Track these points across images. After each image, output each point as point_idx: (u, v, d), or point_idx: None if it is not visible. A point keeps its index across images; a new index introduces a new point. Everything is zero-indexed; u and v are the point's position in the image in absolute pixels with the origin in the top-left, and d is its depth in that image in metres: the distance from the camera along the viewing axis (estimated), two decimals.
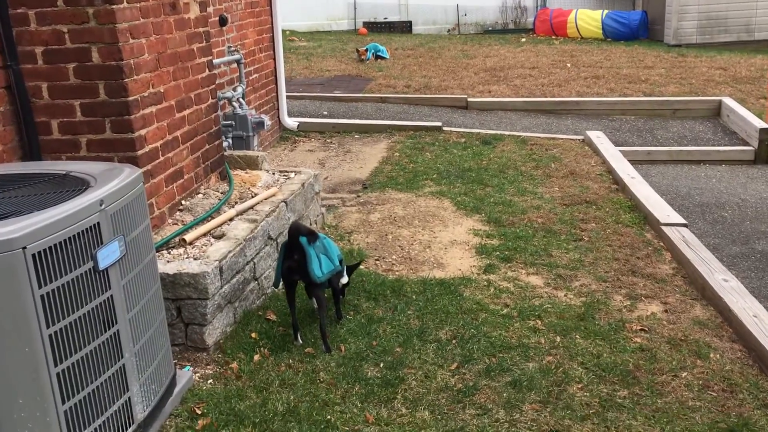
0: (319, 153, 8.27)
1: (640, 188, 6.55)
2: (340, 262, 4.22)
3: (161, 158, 4.25)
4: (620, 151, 8.07)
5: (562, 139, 8.76)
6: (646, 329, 4.15)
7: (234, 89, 6.79)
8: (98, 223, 2.64)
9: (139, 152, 3.99)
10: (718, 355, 3.90)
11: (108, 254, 2.69)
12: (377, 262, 5.13)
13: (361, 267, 4.99)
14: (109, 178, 2.88)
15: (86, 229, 2.57)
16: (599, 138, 8.43)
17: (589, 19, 17.63)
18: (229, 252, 3.91)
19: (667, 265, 5.10)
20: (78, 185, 2.81)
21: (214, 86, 5.06)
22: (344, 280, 4.21)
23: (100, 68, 3.84)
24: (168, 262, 3.78)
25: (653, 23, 17.48)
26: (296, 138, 8.88)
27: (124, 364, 2.81)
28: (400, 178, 7.10)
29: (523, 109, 10.33)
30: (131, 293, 2.87)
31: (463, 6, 20.50)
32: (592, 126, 9.56)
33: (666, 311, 4.41)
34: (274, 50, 8.48)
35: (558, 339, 4.01)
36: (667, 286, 4.77)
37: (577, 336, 4.05)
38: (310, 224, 5.40)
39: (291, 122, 8.80)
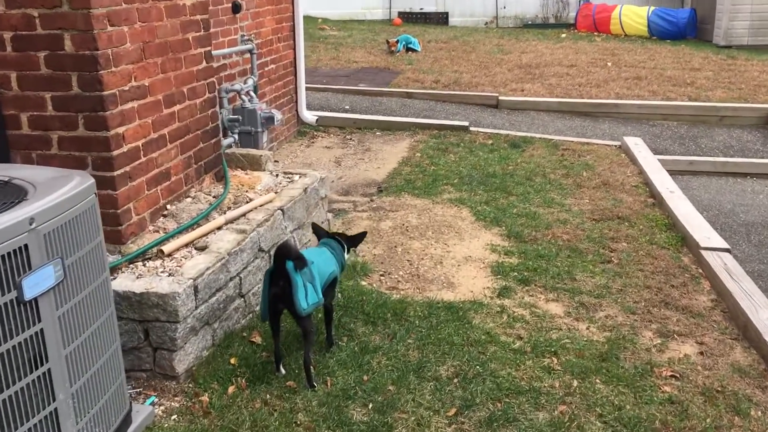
0: (336, 150, 7.84)
1: (680, 205, 5.99)
2: (342, 267, 3.81)
3: (143, 159, 3.86)
4: (660, 160, 7.49)
5: (596, 144, 8.18)
6: (678, 375, 3.64)
7: (244, 81, 6.38)
8: (26, 245, 2.24)
9: (115, 152, 3.59)
10: (759, 412, 3.37)
11: (38, 282, 2.29)
12: (382, 278, 4.69)
13: (363, 284, 4.55)
14: (51, 188, 2.48)
15: (8, 253, 2.17)
16: (637, 145, 7.84)
17: (635, 16, 16.84)
18: (207, 268, 3.50)
19: (705, 296, 4.56)
20: (13, 197, 2.41)
21: (212, 79, 4.65)
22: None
23: (73, 58, 3.45)
24: (138, 277, 3.39)
25: (702, 22, 16.62)
26: (314, 133, 8.46)
27: (56, 408, 2.41)
28: (419, 182, 6.64)
29: (557, 110, 9.75)
30: (70, 325, 2.47)
31: None
32: (630, 131, 8.95)
33: (701, 353, 3.89)
34: (294, 40, 8.05)
35: (575, 383, 3.52)
36: (704, 321, 4.23)
37: (598, 380, 3.55)
38: None
39: (310, 116, 8.38)
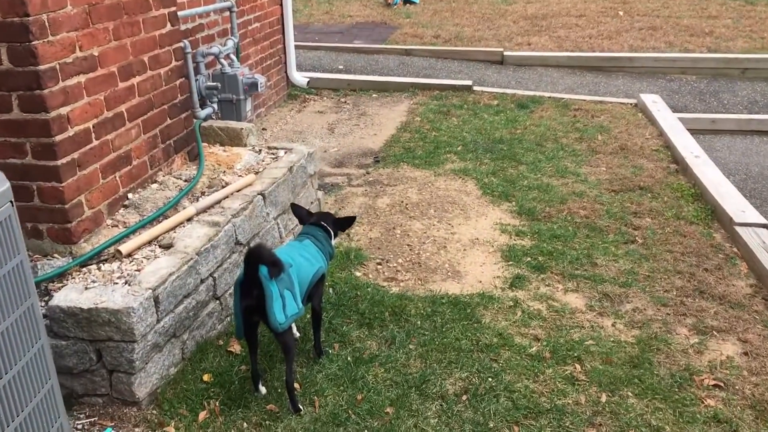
0: (329, 115, 7.24)
1: (707, 172, 5.42)
2: (330, 257, 3.26)
3: (95, 142, 3.30)
4: (680, 118, 6.88)
5: (611, 103, 7.56)
6: (722, 384, 3.14)
7: (224, 43, 5.76)
8: None
9: (58, 137, 3.03)
10: None
11: None
12: (379, 266, 4.16)
13: (358, 275, 4.04)
14: None
15: None
16: (655, 103, 7.22)
17: None
18: (171, 274, 2.97)
19: (743, 281, 4.04)
20: None
21: (179, 45, 4.05)
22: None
23: (0, 26, 2.86)
24: (86, 288, 2.86)
25: None
26: (306, 96, 7.84)
27: None
28: (419, 150, 6.06)
29: (566, 66, 9.08)
30: None
31: None
32: (646, 87, 8.31)
33: (746, 354, 3.38)
34: None
35: (603, 398, 3.02)
36: (745, 313, 3.72)
37: (629, 393, 3.05)
38: None
39: (300, 78, 7.75)
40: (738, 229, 4.49)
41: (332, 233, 3.31)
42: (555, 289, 3.91)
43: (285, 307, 2.71)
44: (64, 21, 3.05)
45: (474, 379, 3.11)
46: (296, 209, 3.37)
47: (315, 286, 3.10)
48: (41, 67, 2.92)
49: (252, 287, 2.70)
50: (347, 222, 3.38)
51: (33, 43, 2.87)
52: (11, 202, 2.12)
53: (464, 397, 3.00)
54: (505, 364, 3.23)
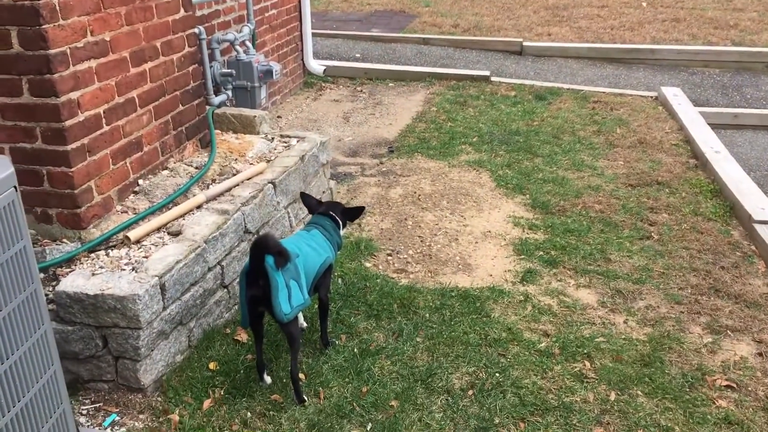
0: (345, 104, 7.20)
1: (727, 167, 5.32)
2: (339, 247, 3.23)
3: (106, 128, 3.29)
4: (701, 113, 6.76)
5: (631, 96, 7.44)
6: (734, 385, 3.08)
7: (239, 30, 5.73)
8: None
9: (68, 122, 3.02)
10: None
11: None
12: (389, 258, 4.13)
13: (368, 265, 4.01)
14: None
15: None
16: (677, 97, 7.10)
17: None
18: (178, 261, 2.96)
19: (760, 280, 3.96)
20: None
21: (193, 30, 4.03)
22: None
23: (11, 9, 2.85)
24: (93, 274, 2.86)
25: None
26: (323, 84, 7.80)
27: None
28: (434, 141, 6.01)
29: (587, 57, 8.95)
30: None
31: None
32: (668, 80, 8.17)
33: (760, 354, 3.32)
34: None
35: (612, 396, 2.97)
36: (761, 313, 3.64)
37: (639, 392, 3.00)
38: None
39: (317, 66, 7.71)
40: (757, 226, 4.40)
41: (341, 223, 3.28)
42: (567, 285, 3.86)
43: (290, 297, 2.69)
44: (76, 5, 3.03)
45: (481, 374, 3.08)
46: (305, 198, 3.34)
47: (322, 277, 3.07)
48: (51, 52, 2.91)
49: (258, 277, 2.68)
50: (356, 212, 3.35)
51: (43, 27, 2.86)
52: (15, 187, 2.11)
53: (470, 392, 2.97)
54: (513, 359, 3.19)
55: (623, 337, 3.40)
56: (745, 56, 8.64)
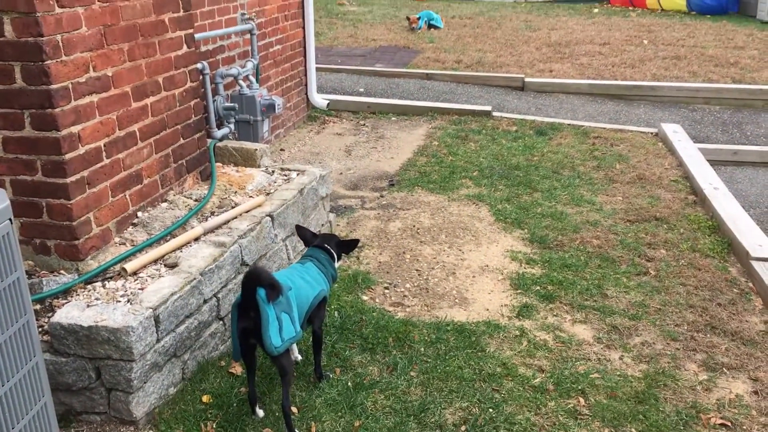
0: (347, 138, 7.27)
1: (725, 204, 5.33)
2: (333, 279, 3.26)
3: (106, 161, 3.34)
4: (701, 149, 6.80)
5: (631, 132, 7.50)
6: (729, 423, 3.06)
7: (243, 65, 5.83)
8: None
9: (68, 155, 3.08)
10: None
11: None
12: (386, 291, 4.15)
13: (365, 298, 4.02)
14: None
15: None
16: (676, 133, 7.15)
17: None
18: (173, 294, 2.99)
19: (757, 317, 3.95)
20: None
21: (195, 66, 4.11)
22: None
23: (15, 45, 2.93)
24: (88, 306, 2.88)
25: None
26: (326, 118, 7.89)
27: None
28: (434, 175, 6.05)
29: (587, 93, 9.04)
30: None
31: None
32: (668, 117, 8.24)
33: (755, 392, 3.30)
34: (303, 18, 7.46)
35: None
36: (758, 350, 3.63)
37: (633, 430, 2.99)
38: None
39: (320, 100, 7.81)
40: (754, 263, 4.40)
41: (336, 255, 3.31)
42: (563, 320, 3.86)
43: (281, 330, 2.70)
44: (79, 41, 3.11)
45: (474, 410, 3.07)
46: (301, 231, 3.38)
47: (316, 309, 3.09)
48: (53, 87, 2.97)
49: (249, 309, 2.70)
50: (351, 245, 3.38)
51: (46, 62, 2.93)
52: (10, 219, 2.14)
53: (463, 428, 2.96)
54: (507, 394, 3.19)
55: (618, 373, 3.39)
56: (745, 93, 8.71)
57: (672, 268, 4.46)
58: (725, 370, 3.45)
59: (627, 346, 3.63)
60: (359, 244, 4.70)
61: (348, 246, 3.38)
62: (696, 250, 4.72)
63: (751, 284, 4.31)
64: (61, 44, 3.00)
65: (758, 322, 3.90)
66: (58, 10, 2.97)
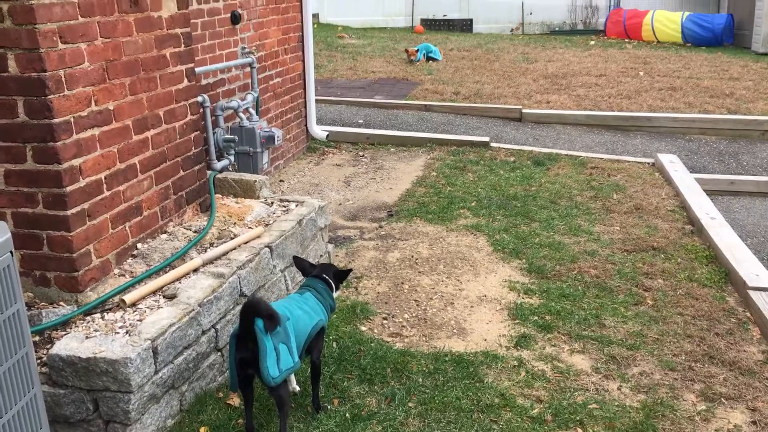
0: (346, 168, 7.33)
1: (722, 233, 5.36)
2: (332, 309, 3.29)
3: (106, 193, 3.38)
4: (698, 179, 6.86)
5: (628, 162, 7.56)
6: None
7: (243, 98, 5.91)
8: None
9: (69, 188, 3.12)
10: None
11: None
12: (384, 321, 4.16)
13: (363, 329, 4.03)
14: None
15: None
16: (673, 163, 7.21)
17: (668, 22, 16.11)
18: (171, 325, 3.00)
19: (755, 347, 3.96)
20: None
21: (195, 99, 4.17)
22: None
23: (18, 80, 2.99)
24: (87, 337, 2.90)
25: (740, 28, 15.85)
26: (325, 149, 7.96)
27: None
28: (433, 205, 6.09)
29: (585, 124, 9.14)
30: None
31: (529, 4, 19.20)
32: (665, 147, 8.31)
33: (754, 422, 3.29)
34: (303, 51, 7.57)
35: None
36: (756, 380, 3.63)
37: None
38: None
39: (319, 132, 7.89)
40: (751, 293, 4.42)
41: (334, 286, 3.34)
42: (561, 350, 3.87)
43: (279, 361, 2.72)
44: (81, 76, 3.17)
45: None
46: (298, 261, 3.41)
47: (314, 339, 3.11)
48: (56, 120, 3.03)
49: (247, 340, 2.71)
50: (344, 274, 3.44)
51: (49, 97, 2.99)
52: (11, 252, 2.17)
53: None
54: (505, 425, 3.18)
55: (616, 403, 3.38)
56: (741, 124, 8.79)
57: (669, 297, 4.47)
58: (723, 400, 3.45)
59: (625, 376, 3.63)
60: (357, 275, 4.74)
61: (343, 275, 3.43)
62: (693, 279, 4.74)
63: (748, 314, 4.33)
64: (63, 79, 3.06)
65: (756, 352, 3.90)
66: (61, 46, 3.04)
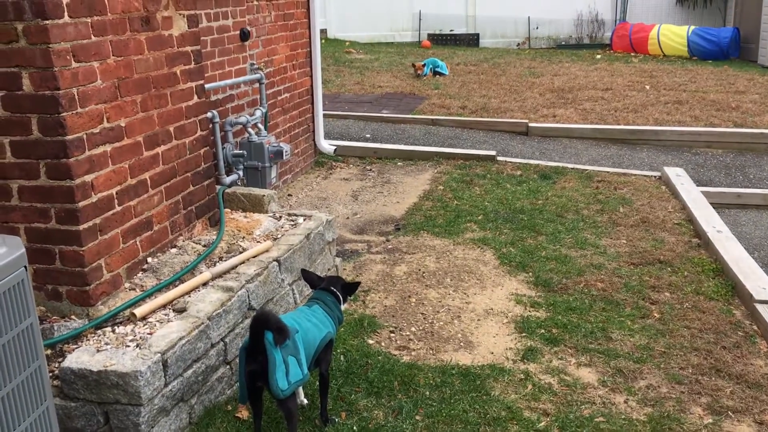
0: (354, 183, 7.38)
1: (729, 247, 5.37)
2: (340, 322, 3.32)
3: (117, 208, 3.43)
4: (704, 192, 6.86)
5: (634, 175, 7.58)
6: None
7: (251, 113, 5.98)
8: None
9: (81, 204, 3.17)
10: None
11: None
12: (392, 335, 4.19)
13: (370, 342, 4.06)
14: None
15: None
16: (679, 177, 7.22)
17: (674, 36, 16.16)
18: (181, 338, 3.04)
19: (762, 360, 3.96)
20: None
21: (205, 116, 4.23)
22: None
23: (32, 98, 3.05)
24: (98, 350, 2.94)
25: (746, 41, 15.88)
26: (333, 163, 8.02)
27: None
28: (440, 219, 6.13)
29: (591, 138, 9.17)
30: None
31: (535, 18, 19.31)
32: (671, 160, 8.33)
33: None
34: (311, 66, 7.65)
35: None
36: (763, 393, 3.63)
37: None
38: None
39: (327, 146, 7.95)
40: (758, 306, 4.42)
41: (341, 298, 3.38)
42: (568, 363, 3.88)
43: (288, 373, 2.75)
44: (93, 94, 3.23)
45: None
46: (306, 274, 3.45)
47: (323, 352, 3.15)
48: (69, 137, 3.09)
49: (257, 353, 2.75)
50: (353, 287, 3.48)
51: (62, 114, 3.05)
52: (25, 267, 2.22)
53: None
54: None
55: (623, 417, 3.39)
56: (747, 137, 8.81)
57: (676, 311, 4.48)
58: (730, 414, 3.45)
59: (632, 389, 3.64)
60: (364, 288, 4.77)
61: (351, 288, 3.47)
62: (700, 293, 4.74)
63: (755, 327, 4.33)
64: (76, 97, 3.12)
65: (763, 365, 3.90)
66: (74, 64, 3.10)
